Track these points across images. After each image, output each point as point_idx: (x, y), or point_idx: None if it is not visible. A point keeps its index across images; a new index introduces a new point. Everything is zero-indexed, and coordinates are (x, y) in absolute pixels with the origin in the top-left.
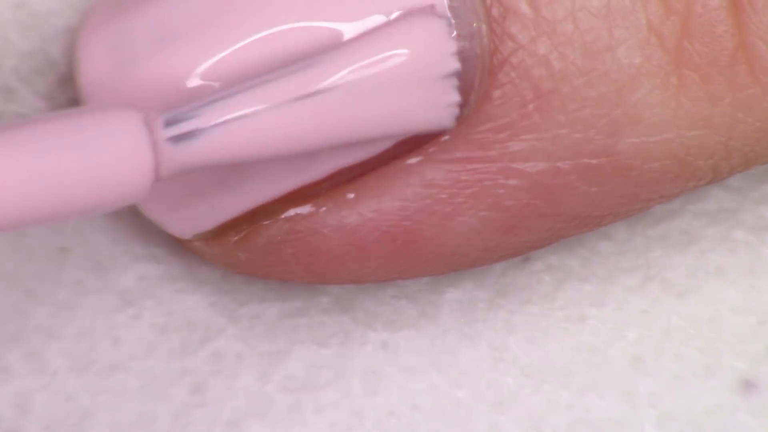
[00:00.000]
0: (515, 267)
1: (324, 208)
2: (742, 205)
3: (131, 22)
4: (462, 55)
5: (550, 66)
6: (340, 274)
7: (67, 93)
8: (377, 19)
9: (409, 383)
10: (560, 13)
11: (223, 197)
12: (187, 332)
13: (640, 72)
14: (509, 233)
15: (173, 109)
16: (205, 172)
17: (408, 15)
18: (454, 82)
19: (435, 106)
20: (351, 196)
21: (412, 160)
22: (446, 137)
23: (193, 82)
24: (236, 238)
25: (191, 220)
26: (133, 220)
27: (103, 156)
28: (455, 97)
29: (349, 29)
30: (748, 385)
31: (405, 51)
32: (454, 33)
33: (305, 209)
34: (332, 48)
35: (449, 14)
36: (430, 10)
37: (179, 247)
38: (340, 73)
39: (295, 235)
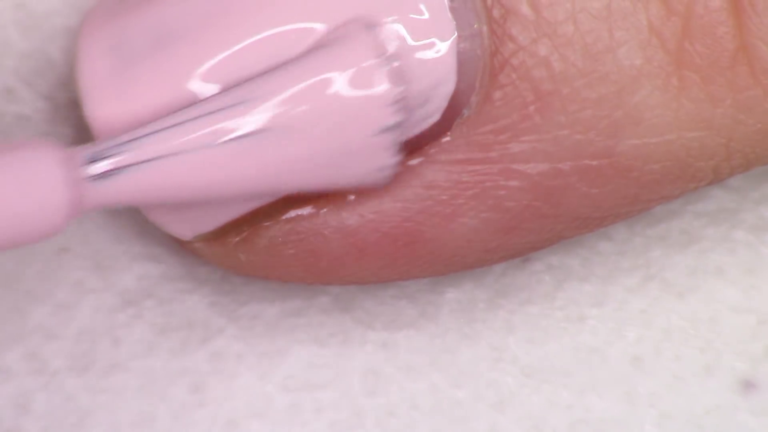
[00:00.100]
0: (515, 267)
1: (325, 210)
2: (742, 205)
3: (131, 22)
4: (462, 57)
5: (551, 67)
6: (341, 275)
7: (67, 93)
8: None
9: (409, 383)
10: (561, 15)
11: None
12: (187, 332)
13: (640, 73)
14: (510, 234)
15: (99, 144)
16: None
17: (342, 50)
18: (392, 138)
19: (366, 167)
20: (352, 197)
21: (413, 162)
22: (447, 138)
23: (193, 83)
24: (237, 239)
25: (192, 221)
26: (133, 220)
27: (15, 194)
28: (389, 159)
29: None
30: (748, 385)
31: (336, 93)
32: (388, 70)
33: (306, 210)
34: (264, 84)
35: (450, 15)
36: (373, 47)
37: (179, 247)
38: (268, 116)
39: (295, 237)
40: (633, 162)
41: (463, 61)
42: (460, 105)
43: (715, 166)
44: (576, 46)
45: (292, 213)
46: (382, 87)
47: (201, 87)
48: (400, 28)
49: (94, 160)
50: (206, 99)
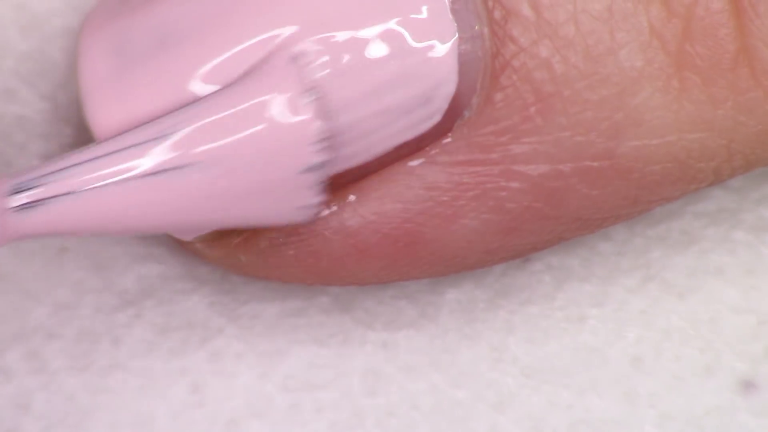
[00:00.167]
0: (515, 267)
1: (325, 210)
2: (742, 206)
3: (132, 23)
4: (463, 58)
5: (552, 69)
6: (341, 275)
7: (67, 93)
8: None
9: (409, 383)
10: (562, 16)
11: None
12: (187, 332)
13: (641, 75)
14: (510, 235)
15: (23, 174)
16: None
17: (261, 82)
18: (315, 178)
19: (286, 205)
20: (352, 198)
21: (414, 163)
22: (448, 139)
23: (194, 84)
24: (237, 240)
25: None
26: None
27: None
28: (311, 199)
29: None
30: (748, 385)
31: (263, 127)
32: (312, 109)
33: None
34: (192, 116)
35: (451, 17)
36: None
37: (179, 247)
38: (195, 149)
39: (296, 237)
40: (634, 163)
41: (464, 63)
42: (461, 106)
43: (716, 168)
44: (577, 48)
45: None
46: (303, 122)
47: (202, 88)
48: (401, 29)
49: (17, 191)
50: (127, 132)
